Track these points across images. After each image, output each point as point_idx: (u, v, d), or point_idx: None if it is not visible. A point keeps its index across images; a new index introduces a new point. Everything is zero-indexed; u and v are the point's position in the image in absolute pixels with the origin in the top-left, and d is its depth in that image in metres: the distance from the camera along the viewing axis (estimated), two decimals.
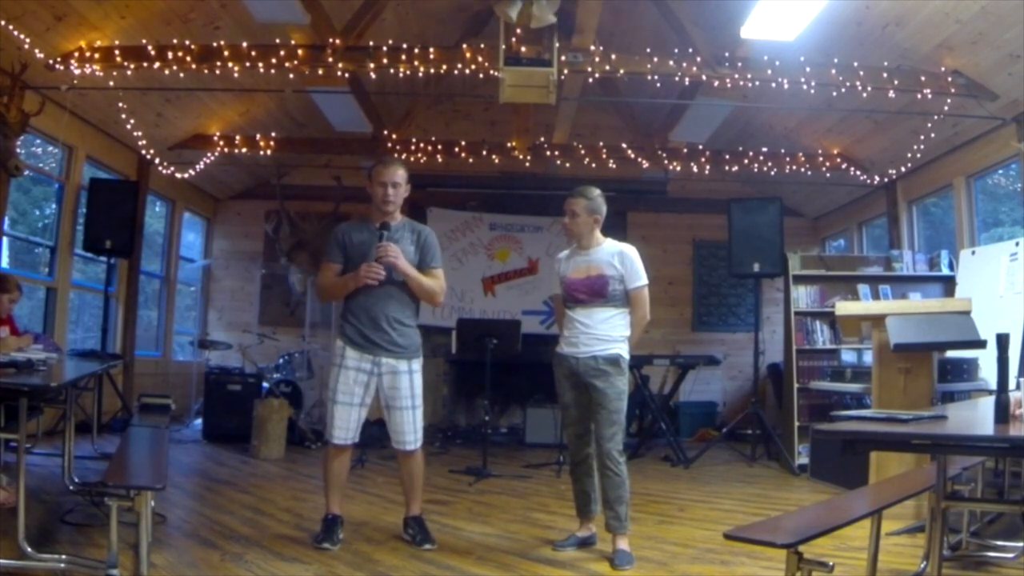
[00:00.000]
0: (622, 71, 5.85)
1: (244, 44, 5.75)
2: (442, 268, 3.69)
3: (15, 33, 5.11)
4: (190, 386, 8.09)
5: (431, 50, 5.86)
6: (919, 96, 5.73)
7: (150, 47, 5.68)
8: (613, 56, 5.77)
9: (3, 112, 5.20)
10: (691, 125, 7.50)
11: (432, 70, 5.87)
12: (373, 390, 3.55)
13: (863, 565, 2.96)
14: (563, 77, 5.79)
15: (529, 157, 7.87)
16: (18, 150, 5.38)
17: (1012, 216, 6.46)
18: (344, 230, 3.64)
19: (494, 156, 7.87)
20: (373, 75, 6.04)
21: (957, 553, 3.37)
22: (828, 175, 7.78)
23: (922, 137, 6.31)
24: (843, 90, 5.89)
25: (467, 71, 5.80)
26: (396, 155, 7.85)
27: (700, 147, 7.91)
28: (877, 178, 7.44)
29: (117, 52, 5.68)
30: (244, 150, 7.66)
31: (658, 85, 6.26)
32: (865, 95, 5.93)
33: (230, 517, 4.00)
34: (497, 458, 6.39)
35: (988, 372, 5.06)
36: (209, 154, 7.76)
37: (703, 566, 3.35)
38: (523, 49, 5.44)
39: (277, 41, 5.83)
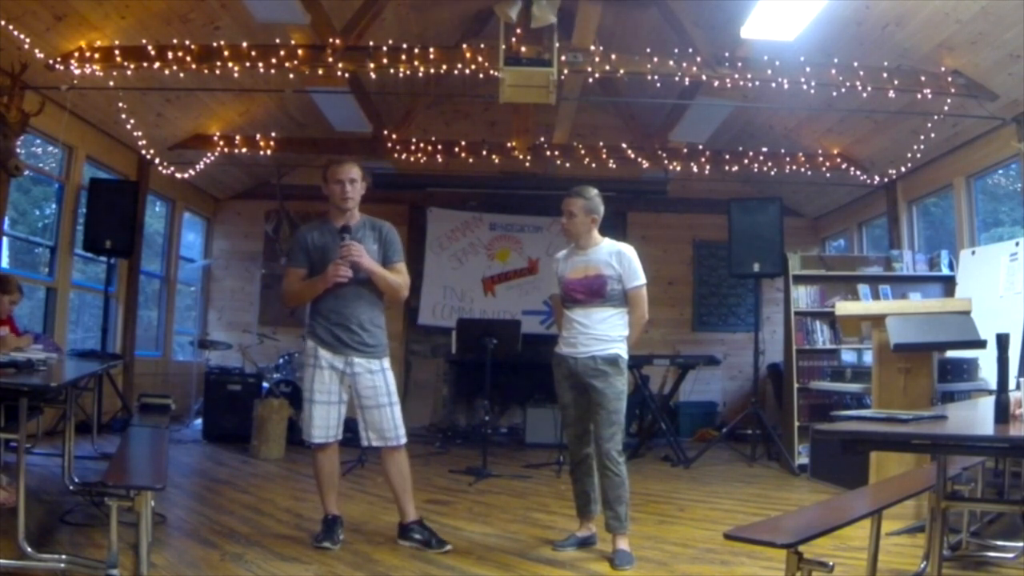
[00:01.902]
0: (622, 71, 5.84)
1: (244, 44, 5.74)
2: (404, 262, 3.70)
3: (15, 33, 5.11)
4: (190, 386, 8.09)
5: (431, 50, 5.86)
6: (919, 96, 5.73)
7: (150, 47, 5.67)
8: (613, 56, 5.77)
9: (3, 112, 5.20)
10: (691, 125, 7.50)
11: (432, 70, 5.87)
12: (347, 388, 3.55)
13: (863, 565, 2.96)
14: (563, 77, 5.79)
15: (529, 157, 7.86)
16: (18, 150, 5.38)
17: (1012, 216, 6.46)
18: (306, 234, 3.65)
19: (494, 156, 7.86)
20: (373, 75, 6.04)
21: (957, 553, 3.37)
22: (828, 175, 7.78)
23: (922, 137, 6.31)
24: (843, 90, 5.89)
25: (467, 71, 5.79)
26: (396, 155, 7.88)
27: (700, 147, 7.90)
28: (877, 178, 7.43)
29: (117, 52, 5.67)
30: (244, 150, 7.66)
31: (658, 85, 6.26)
32: (865, 95, 5.93)
33: (230, 517, 4.01)
34: (497, 458, 6.39)
35: (988, 372, 5.05)
36: (209, 154, 7.76)
37: (703, 566, 3.35)
38: (523, 49, 5.43)
39: (277, 41, 5.83)
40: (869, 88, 5.78)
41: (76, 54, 5.60)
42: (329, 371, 3.51)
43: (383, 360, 3.58)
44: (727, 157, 7.87)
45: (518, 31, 5.41)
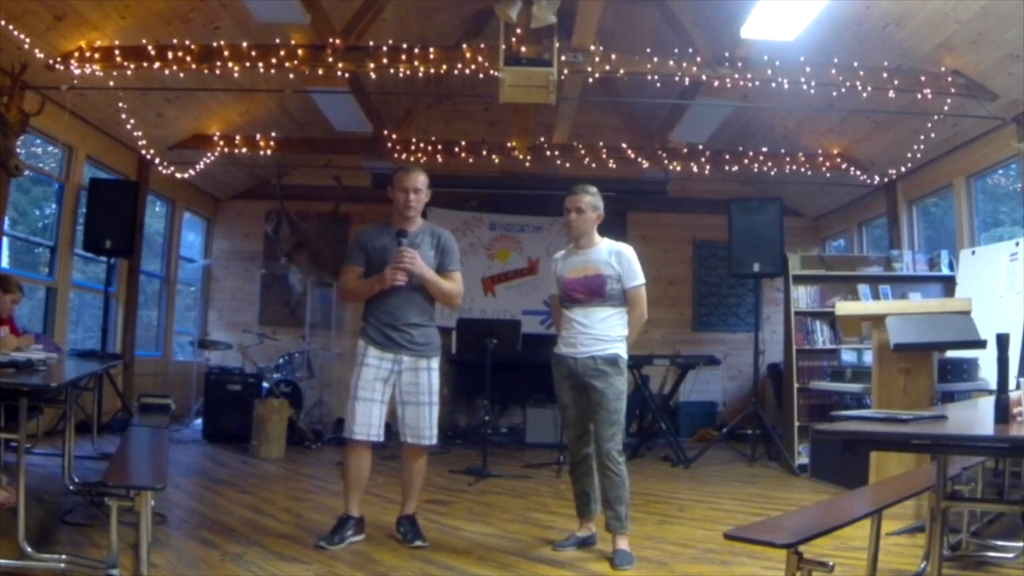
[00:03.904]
0: (622, 71, 5.84)
1: (244, 44, 5.75)
2: (460, 271, 3.77)
3: (15, 33, 5.11)
4: (190, 386, 8.09)
5: (431, 50, 5.86)
6: (919, 96, 5.73)
7: (150, 47, 5.68)
8: (613, 56, 5.77)
9: (3, 112, 5.20)
10: (691, 125, 7.50)
11: (432, 70, 5.87)
12: (391, 389, 3.60)
13: (863, 565, 2.96)
14: (563, 77, 5.79)
15: (529, 157, 7.86)
16: (18, 150, 5.38)
17: (1012, 216, 6.46)
18: (366, 234, 3.73)
19: (494, 156, 7.87)
20: (373, 75, 6.04)
21: (957, 553, 3.37)
22: (828, 175, 7.78)
23: (922, 137, 6.31)
24: (843, 90, 5.89)
25: (467, 71, 5.80)
26: (396, 155, 7.87)
27: (700, 147, 7.90)
28: (877, 178, 7.43)
29: (117, 52, 5.68)
30: (244, 150, 7.66)
31: (658, 85, 6.26)
32: (865, 95, 5.93)
33: (230, 517, 4.00)
34: (497, 458, 6.39)
35: (988, 372, 5.06)
36: (209, 154, 7.76)
37: (703, 566, 3.35)
38: (523, 49, 5.44)
39: (277, 41, 5.83)
40: (869, 88, 5.78)
41: (76, 54, 5.60)
42: (376, 370, 3.57)
43: (432, 360, 3.65)
44: (727, 157, 7.87)
45: (518, 31, 5.41)
